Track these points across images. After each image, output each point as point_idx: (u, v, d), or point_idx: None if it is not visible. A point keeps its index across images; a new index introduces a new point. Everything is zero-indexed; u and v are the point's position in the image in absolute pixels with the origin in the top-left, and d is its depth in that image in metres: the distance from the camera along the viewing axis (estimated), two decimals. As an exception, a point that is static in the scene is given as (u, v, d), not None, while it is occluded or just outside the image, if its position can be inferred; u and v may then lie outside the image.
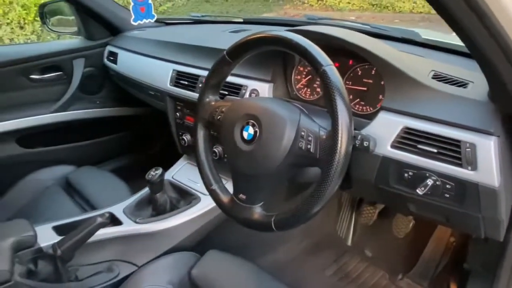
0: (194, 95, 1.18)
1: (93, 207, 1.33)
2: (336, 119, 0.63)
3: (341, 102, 0.63)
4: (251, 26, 1.46)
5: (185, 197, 1.22)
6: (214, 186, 0.85)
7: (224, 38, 1.29)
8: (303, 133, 0.69)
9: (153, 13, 1.38)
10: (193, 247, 1.12)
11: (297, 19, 1.55)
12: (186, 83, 1.22)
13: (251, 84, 1.05)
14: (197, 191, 1.20)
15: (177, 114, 1.30)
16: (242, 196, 0.78)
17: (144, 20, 1.38)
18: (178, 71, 1.26)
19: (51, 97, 1.65)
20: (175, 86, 1.26)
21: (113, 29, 1.71)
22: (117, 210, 1.16)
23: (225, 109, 0.82)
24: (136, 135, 1.96)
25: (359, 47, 0.82)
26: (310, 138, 0.68)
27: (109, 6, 1.65)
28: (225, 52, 0.81)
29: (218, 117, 0.83)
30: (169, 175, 1.30)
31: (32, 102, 1.60)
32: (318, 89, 0.99)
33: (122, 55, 1.58)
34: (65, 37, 1.87)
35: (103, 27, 1.70)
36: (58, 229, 1.04)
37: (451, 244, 1.25)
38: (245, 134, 0.75)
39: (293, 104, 0.77)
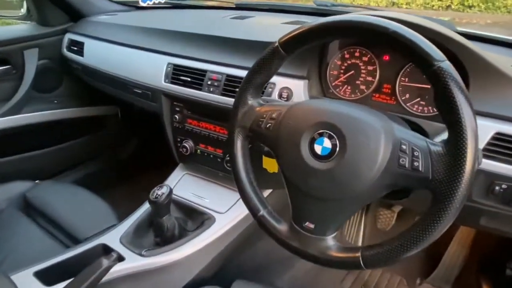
0: (201, 94, 0.98)
1: (66, 233, 1.07)
2: (462, 130, 0.50)
3: (467, 108, 0.50)
4: (248, 13, 1.27)
5: (194, 217, 1.02)
6: (263, 212, 0.68)
7: (229, 26, 1.10)
8: (404, 147, 0.55)
9: None
10: (212, 277, 0.94)
11: (302, 5, 1.39)
12: (189, 79, 1.01)
13: (281, 82, 0.88)
14: (207, 208, 1.01)
15: (176, 116, 1.08)
16: (309, 225, 0.62)
17: (148, 2, 1.10)
18: (176, 65, 1.04)
19: (-2, 97, 1.32)
20: (172, 83, 1.04)
21: (73, 13, 1.41)
22: (112, 239, 0.93)
23: (278, 115, 0.65)
24: (101, 139, 1.67)
25: (451, 39, 0.68)
26: (416, 153, 0.54)
27: None
28: (277, 43, 0.63)
29: (267, 126, 0.66)
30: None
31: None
32: (363, 87, 0.85)
33: (90, 44, 1.30)
34: (10, 22, 1.52)
35: (60, 10, 1.39)
36: (41, 276, 0.79)
37: (477, 246, 1.21)
38: (318, 148, 0.59)
39: (375, 109, 0.62)
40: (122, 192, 1.51)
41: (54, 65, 1.44)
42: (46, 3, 1.34)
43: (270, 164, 0.91)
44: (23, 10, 1.41)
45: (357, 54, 0.85)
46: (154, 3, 1.16)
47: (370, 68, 0.84)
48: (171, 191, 0.91)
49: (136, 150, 1.73)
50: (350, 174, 0.56)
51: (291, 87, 0.87)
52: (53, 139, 1.48)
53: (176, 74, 1.04)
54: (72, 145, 1.54)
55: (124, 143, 1.72)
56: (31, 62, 1.36)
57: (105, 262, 0.72)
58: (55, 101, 1.47)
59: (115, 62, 1.20)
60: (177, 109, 1.07)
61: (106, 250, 0.91)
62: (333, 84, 0.89)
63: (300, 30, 0.62)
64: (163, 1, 1.19)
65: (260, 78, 0.68)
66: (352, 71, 0.86)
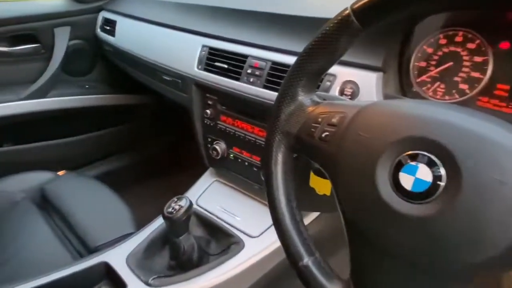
0: (239, 86, 0.78)
1: (78, 237, 0.93)
2: None
3: None
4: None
5: (219, 237, 0.82)
6: (307, 260, 0.46)
7: (281, 1, 0.88)
8: None
9: None
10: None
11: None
12: (225, 66, 0.81)
13: (344, 73, 0.64)
14: (236, 229, 0.80)
15: (207, 111, 0.88)
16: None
17: None
18: (212, 48, 0.84)
19: (24, 78, 1.21)
20: (206, 70, 0.85)
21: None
22: (117, 258, 0.76)
23: (340, 120, 0.42)
24: (132, 131, 1.53)
25: None
26: None
27: None
28: (349, 10, 0.40)
29: (323, 135, 0.43)
30: (190, 197, 0.89)
31: (-4, 83, 1.16)
32: (464, 86, 0.59)
33: (122, 23, 1.15)
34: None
35: (96, -16, 1.26)
36: None
37: None
38: (407, 180, 0.35)
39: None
40: (146, 192, 1.36)
41: (87, 46, 1.31)
42: (81, -24, 1.21)
43: (320, 184, 0.68)
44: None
45: (459, 38, 0.59)
46: None
47: (477, 59, 0.58)
48: (190, 205, 0.72)
49: (168, 146, 1.57)
50: (467, 231, 0.32)
51: (357, 81, 0.63)
52: (79, 127, 1.36)
53: (211, 59, 0.84)
54: (99, 135, 1.41)
55: (155, 138, 1.57)
56: (62, 41, 1.24)
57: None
58: (86, 86, 1.35)
59: (144, 43, 1.04)
60: (210, 102, 0.88)
61: (108, 271, 0.74)
62: (419, 80, 0.64)
63: None
64: None
65: (317, 64, 0.45)
66: (450, 63, 0.61)
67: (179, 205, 0.71)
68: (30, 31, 1.18)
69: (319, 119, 0.45)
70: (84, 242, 0.91)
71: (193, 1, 0.97)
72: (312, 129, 0.45)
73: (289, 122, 0.47)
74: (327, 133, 0.43)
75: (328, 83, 0.65)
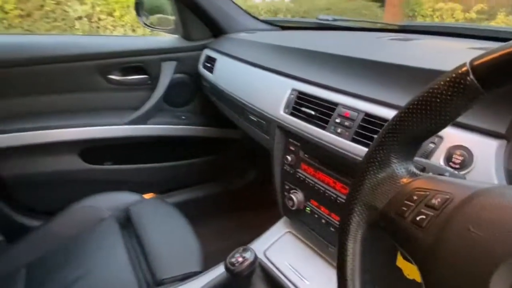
0: (324, 135, 0.71)
1: (149, 265, 0.95)
2: None
3: None
4: (415, 36, 0.94)
5: (283, 298, 0.74)
6: None
7: (383, 49, 0.80)
8: None
9: None
10: None
11: (499, 28, 0.98)
12: (312, 112, 0.75)
13: (453, 136, 0.53)
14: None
15: (288, 157, 0.83)
16: None
17: None
18: (301, 92, 0.80)
19: (130, 104, 1.33)
20: (291, 114, 0.80)
21: (217, 30, 1.34)
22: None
23: (444, 202, 0.33)
24: (219, 163, 1.56)
25: None
26: None
27: (219, 2, 1.30)
28: (468, 66, 0.31)
29: (418, 218, 0.34)
30: (258, 247, 0.83)
31: (106, 108, 1.29)
32: None
33: (220, 61, 1.19)
34: (157, 35, 1.57)
35: (205, 26, 1.34)
36: None
37: None
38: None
39: None
40: (220, 226, 1.35)
41: (189, 80, 1.39)
42: (191, 17, 1.30)
43: (411, 266, 0.56)
44: (173, 25, 1.41)
45: None
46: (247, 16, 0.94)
47: None
48: (255, 259, 0.66)
49: (249, 183, 1.55)
50: None
51: (471, 148, 0.51)
52: (170, 154, 1.43)
53: (299, 103, 0.79)
54: (187, 164, 1.46)
55: (239, 173, 1.57)
56: (167, 74, 1.33)
57: None
58: (183, 117, 1.42)
59: (236, 81, 1.05)
60: (292, 148, 0.82)
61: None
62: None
63: None
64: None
65: (419, 127, 0.36)
66: None
67: (243, 257, 0.66)
68: (140, 64, 1.30)
69: (414, 197, 0.35)
70: (154, 273, 0.91)
71: (288, 43, 0.96)
72: (404, 208, 0.36)
73: (375, 193, 0.39)
74: (423, 216, 0.33)
75: (432, 146, 0.54)
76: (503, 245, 0.27)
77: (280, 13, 5.55)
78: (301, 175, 0.80)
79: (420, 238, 0.33)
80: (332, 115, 0.70)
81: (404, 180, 0.37)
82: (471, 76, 0.31)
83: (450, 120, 0.35)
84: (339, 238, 0.42)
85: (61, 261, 0.98)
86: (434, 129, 0.37)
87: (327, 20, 1.24)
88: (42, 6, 4.28)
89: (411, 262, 0.48)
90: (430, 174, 0.39)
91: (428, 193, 0.35)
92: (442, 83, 0.34)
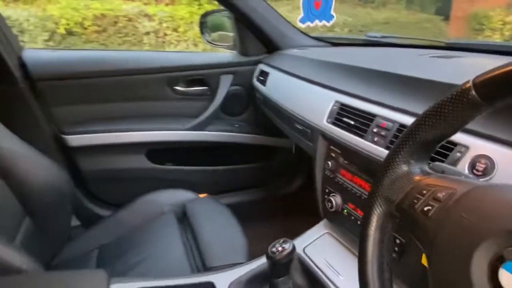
0: (362, 143, 0.78)
1: (200, 254, 1.06)
2: None
3: None
4: (460, 53, 0.98)
5: (317, 289, 0.81)
6: None
7: (422, 65, 0.86)
8: None
9: (332, 12, 0.99)
10: None
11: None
12: (352, 122, 0.82)
13: (478, 146, 0.58)
14: (336, 286, 0.78)
15: (328, 163, 0.91)
16: None
17: (316, 22, 1.00)
18: (343, 104, 0.88)
19: (191, 112, 1.48)
20: (334, 124, 0.88)
21: (271, 46, 1.46)
22: (222, 282, 0.83)
23: (447, 196, 0.39)
24: (268, 170, 1.66)
25: None
26: None
27: (273, 19, 1.41)
28: (471, 83, 0.38)
29: (425, 209, 0.41)
30: (299, 244, 0.91)
31: (170, 115, 1.46)
32: None
33: (273, 75, 1.30)
34: (216, 50, 1.72)
35: (260, 43, 1.47)
36: None
37: None
38: (508, 279, 0.31)
39: None
40: (265, 228, 1.44)
41: (244, 92, 1.52)
42: (248, 35, 1.43)
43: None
44: (232, 42, 1.55)
45: None
46: (316, 25, 1.02)
47: None
48: (293, 250, 0.74)
49: (298, 190, 1.63)
50: None
51: (494, 158, 0.56)
52: (224, 159, 1.56)
53: (341, 114, 0.87)
54: (239, 169, 1.58)
55: (289, 179, 1.66)
56: (225, 86, 1.47)
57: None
58: (236, 125, 1.55)
59: (286, 94, 1.14)
60: (333, 155, 0.90)
61: (212, 290, 0.82)
62: None
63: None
64: (329, 24, 1.03)
65: (431, 133, 0.44)
66: None
67: (282, 247, 0.74)
68: (202, 77, 1.46)
69: (424, 191, 0.42)
70: (204, 260, 1.02)
71: (334, 59, 1.04)
72: (415, 200, 0.43)
73: (392, 188, 0.46)
74: (429, 207, 0.40)
75: (458, 155, 0.60)
76: (485, 228, 0.34)
77: (337, 27, 5.57)
78: (340, 179, 0.88)
79: (426, 225, 0.40)
80: (370, 125, 0.78)
81: (418, 177, 0.44)
82: (473, 92, 0.38)
83: (458, 128, 0.42)
84: (361, 226, 0.49)
85: (126, 245, 1.13)
86: (444, 135, 0.44)
87: (375, 37, 1.31)
88: (115, 22, 4.74)
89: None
90: (442, 174, 0.45)
91: (436, 188, 0.41)
92: (450, 96, 0.41)
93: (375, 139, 0.75)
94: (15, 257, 0.75)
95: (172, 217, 1.22)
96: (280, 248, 0.74)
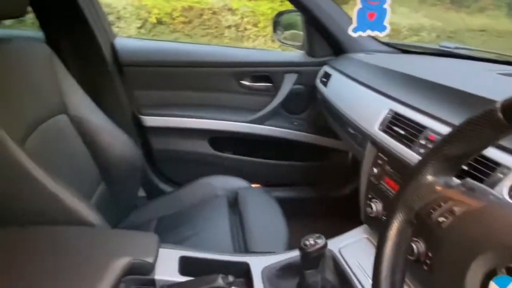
0: (408, 153, 0.78)
1: (244, 237, 1.14)
2: None
3: None
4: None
5: (345, 287, 0.84)
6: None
7: (488, 82, 0.83)
8: None
9: (385, 23, 0.99)
10: None
11: None
12: (402, 132, 0.83)
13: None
14: (364, 289, 0.80)
15: (374, 169, 0.92)
16: None
17: (369, 32, 1.01)
18: (396, 113, 0.88)
19: (253, 106, 1.57)
20: (384, 132, 0.89)
21: (338, 49, 1.48)
22: (256, 265, 0.90)
23: (462, 210, 0.41)
24: (323, 170, 1.68)
25: None
26: None
27: (342, 22, 1.43)
28: (498, 106, 0.39)
29: (440, 220, 0.43)
30: (335, 244, 0.94)
31: (234, 107, 1.56)
32: None
33: (335, 78, 1.32)
34: (284, 49, 1.78)
35: (327, 45, 1.49)
36: (183, 262, 0.85)
37: None
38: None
39: None
40: (311, 224, 1.47)
41: (306, 91, 1.56)
42: (316, 36, 1.47)
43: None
44: (301, 42, 1.60)
45: None
46: (368, 36, 1.01)
47: None
48: (325, 245, 0.78)
49: (349, 194, 1.62)
50: None
51: (536, 183, 0.54)
52: (281, 154, 1.62)
53: (392, 123, 0.88)
54: (294, 165, 1.63)
55: (340, 182, 1.66)
56: (288, 84, 1.53)
57: (219, 281, 0.70)
58: (295, 123, 1.60)
59: (344, 97, 1.16)
60: (379, 161, 0.91)
61: (246, 271, 0.89)
62: None
63: None
64: (382, 34, 1.01)
65: (457, 149, 0.45)
66: None
67: (315, 241, 0.78)
68: (267, 74, 1.53)
69: (443, 203, 0.44)
70: (246, 243, 1.11)
71: (396, 67, 1.04)
72: (432, 210, 0.45)
73: (414, 196, 0.48)
74: (444, 219, 0.43)
75: (500, 176, 0.59)
76: (484, 242, 0.36)
77: (423, 31, 5.26)
78: (383, 187, 0.89)
79: (437, 235, 0.42)
80: (418, 136, 0.78)
81: (440, 189, 0.46)
82: (499, 114, 0.39)
83: (482, 147, 0.43)
84: (381, 229, 0.52)
85: (181, 219, 1.25)
86: (470, 153, 0.45)
87: (449, 47, 1.25)
88: (201, 14, 5.02)
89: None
90: (464, 188, 0.46)
91: (454, 202, 0.43)
92: (478, 116, 0.42)
93: (421, 150, 0.75)
94: (90, 213, 0.89)
95: (224, 201, 1.31)
96: (312, 242, 0.78)
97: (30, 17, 1.49)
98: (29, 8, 1.25)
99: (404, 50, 1.43)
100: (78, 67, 1.44)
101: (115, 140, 1.21)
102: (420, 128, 0.78)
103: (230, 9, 5.12)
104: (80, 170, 1.11)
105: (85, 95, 1.16)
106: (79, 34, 1.41)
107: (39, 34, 1.47)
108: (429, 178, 0.47)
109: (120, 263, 0.73)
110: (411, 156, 0.78)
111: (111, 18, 4.39)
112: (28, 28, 2.50)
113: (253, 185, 1.44)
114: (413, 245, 0.66)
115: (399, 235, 0.50)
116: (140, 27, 4.87)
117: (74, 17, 1.37)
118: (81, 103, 1.14)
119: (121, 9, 4.71)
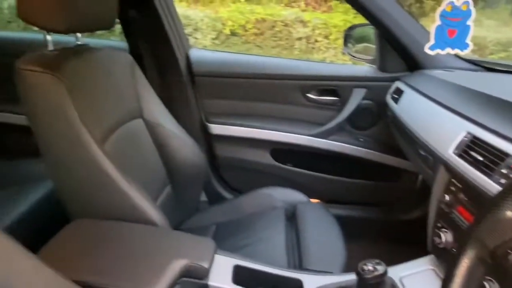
0: (487, 183, 0.71)
1: (299, 253, 1.12)
2: None
3: None
4: None
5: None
6: None
7: None
8: None
9: (467, 41, 0.90)
10: None
11: None
12: (481, 158, 0.75)
13: None
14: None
15: (446, 196, 0.85)
16: None
17: (448, 50, 0.92)
18: (475, 137, 0.80)
19: (318, 120, 1.55)
20: (460, 156, 0.82)
21: (413, 64, 1.40)
22: (310, 283, 0.87)
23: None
24: (389, 191, 1.60)
25: None
26: None
27: (419, 37, 1.35)
28: None
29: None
30: (396, 272, 0.88)
31: (298, 119, 1.56)
32: None
33: (407, 94, 1.25)
34: (355, 63, 1.73)
35: (401, 59, 1.42)
36: (236, 271, 0.86)
37: None
38: None
39: None
40: (371, 250, 1.39)
41: (374, 107, 1.50)
42: (390, 50, 1.41)
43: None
44: (372, 56, 1.54)
45: None
46: (448, 54, 0.92)
47: None
48: (384, 274, 0.73)
49: (415, 218, 1.51)
50: None
51: None
52: (344, 170, 1.57)
53: (470, 147, 0.80)
54: (356, 183, 1.57)
55: (408, 206, 1.56)
56: (356, 99, 1.48)
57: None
58: (360, 139, 1.54)
59: (416, 116, 1.09)
60: (452, 188, 0.83)
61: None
62: None
63: None
64: (463, 52, 0.91)
65: None
66: None
67: (374, 268, 0.74)
68: (335, 87, 1.50)
69: None
70: (300, 258, 1.08)
71: (477, 86, 0.95)
72: (510, 250, 0.40)
73: (489, 231, 0.44)
74: None
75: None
76: None
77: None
78: (455, 216, 0.81)
79: None
80: (500, 164, 0.70)
81: None
82: None
83: None
84: (450, 263, 0.48)
85: (238, 228, 1.27)
86: None
87: (543, 66, 1.12)
88: (273, 26, 5.12)
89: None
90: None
91: None
92: None
93: (502, 180, 0.67)
94: (154, 213, 0.95)
95: (282, 214, 1.31)
96: (371, 268, 0.74)
97: (118, 27, 1.65)
98: (117, 20, 1.38)
99: (488, 68, 1.30)
100: (156, 76, 1.55)
101: (183, 145, 1.28)
102: (501, 156, 0.71)
103: (301, 21, 5.15)
104: (150, 172, 1.19)
105: (159, 102, 1.24)
106: (159, 45, 1.52)
107: (124, 44, 1.61)
108: (509, 213, 0.43)
109: (178, 265, 0.76)
110: (490, 185, 0.70)
111: (189, 29, 4.68)
112: (116, 37, 2.77)
113: (312, 200, 1.41)
114: (486, 284, 0.59)
115: (469, 273, 0.45)
116: (214, 38, 5.11)
117: (155, 30, 1.49)
118: (156, 109, 1.22)
119: (199, 20, 4.99)
